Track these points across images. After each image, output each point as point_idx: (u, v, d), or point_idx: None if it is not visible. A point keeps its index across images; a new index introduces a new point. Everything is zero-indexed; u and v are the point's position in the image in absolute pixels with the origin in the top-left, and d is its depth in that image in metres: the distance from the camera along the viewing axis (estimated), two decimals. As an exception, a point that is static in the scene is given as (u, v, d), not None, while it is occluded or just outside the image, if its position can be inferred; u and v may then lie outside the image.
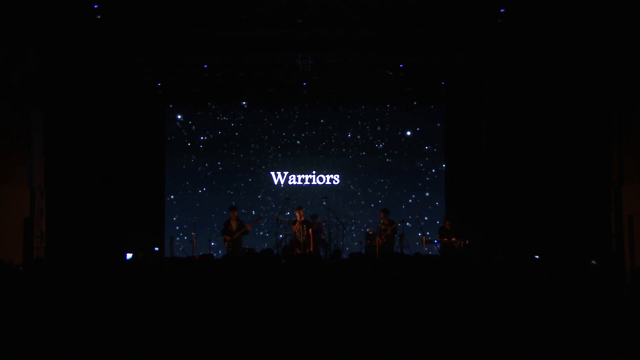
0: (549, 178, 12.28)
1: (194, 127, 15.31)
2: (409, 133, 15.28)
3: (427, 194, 15.26)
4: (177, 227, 14.90)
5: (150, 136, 14.55)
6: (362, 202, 15.17)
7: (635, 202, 11.14)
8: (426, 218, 14.60)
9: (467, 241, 12.18)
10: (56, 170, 12.22)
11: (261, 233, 14.82)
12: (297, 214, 12.67)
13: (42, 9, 10.49)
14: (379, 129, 15.36)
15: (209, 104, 15.13)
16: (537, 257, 9.32)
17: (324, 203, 13.66)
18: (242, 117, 15.31)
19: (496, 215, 13.05)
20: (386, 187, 15.28)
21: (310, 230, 12.55)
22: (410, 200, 15.15)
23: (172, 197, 15.13)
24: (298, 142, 15.22)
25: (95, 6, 10.53)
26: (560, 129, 12.16)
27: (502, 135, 12.84)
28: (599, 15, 10.65)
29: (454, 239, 12.27)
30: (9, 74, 10.96)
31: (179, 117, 15.33)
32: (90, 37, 11.16)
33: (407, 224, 13.46)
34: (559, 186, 12.14)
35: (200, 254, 12.08)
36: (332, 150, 15.30)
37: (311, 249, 12.25)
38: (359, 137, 15.34)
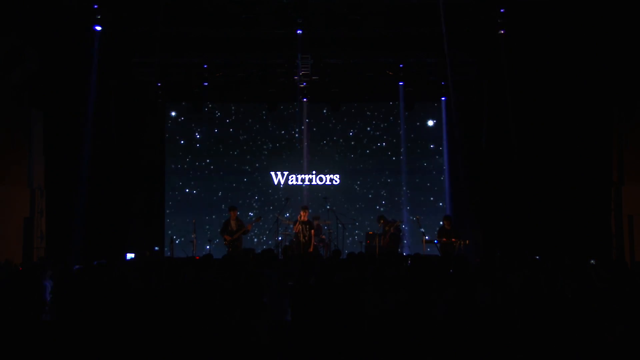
0: (550, 178, 12.27)
1: (193, 127, 15.30)
2: (409, 133, 15.27)
3: (427, 193, 15.24)
4: (177, 227, 14.87)
5: (150, 136, 14.54)
6: (362, 202, 15.15)
7: (635, 202, 11.15)
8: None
9: (467, 241, 12.16)
10: (56, 170, 12.22)
11: (255, 240, 14.76)
12: (302, 214, 12.54)
13: (42, 9, 10.50)
14: (379, 129, 15.36)
15: (209, 104, 15.11)
16: (537, 257, 9.31)
17: (328, 206, 13.68)
18: (242, 117, 15.29)
19: (496, 215, 13.04)
20: (386, 187, 15.27)
21: (312, 231, 12.47)
22: (410, 200, 15.14)
23: (170, 196, 15.13)
24: (298, 142, 15.21)
25: (95, 6, 10.55)
26: (561, 129, 12.15)
27: (502, 135, 12.83)
28: (598, 16, 10.65)
29: (453, 239, 12.26)
30: (9, 74, 10.97)
31: (178, 116, 15.32)
32: (90, 37, 11.16)
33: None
34: (559, 186, 12.14)
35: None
36: (332, 150, 15.28)
37: (310, 250, 12.20)
38: (359, 137, 15.32)
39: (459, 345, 4.52)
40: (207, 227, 14.62)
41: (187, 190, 15.19)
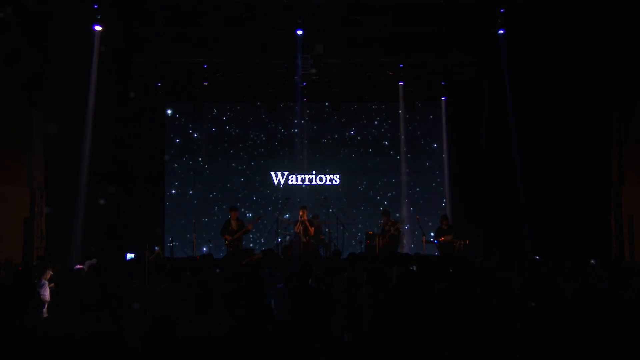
0: (550, 178, 12.27)
1: (193, 127, 15.31)
2: (409, 133, 15.27)
3: (429, 193, 15.24)
4: (175, 228, 14.84)
5: (150, 136, 14.53)
6: (362, 202, 15.16)
7: (635, 202, 11.14)
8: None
9: (467, 241, 12.16)
10: (56, 170, 12.20)
11: (253, 243, 14.73)
12: (301, 213, 12.53)
13: (42, 9, 10.49)
14: (379, 129, 15.36)
15: (209, 104, 15.12)
16: (537, 257, 9.31)
17: (331, 209, 13.67)
18: (242, 117, 15.31)
19: (496, 214, 13.04)
20: (386, 187, 15.27)
21: (312, 229, 12.46)
22: (412, 200, 15.14)
23: (170, 196, 15.12)
24: (298, 142, 15.21)
25: (95, 6, 10.55)
26: (561, 129, 12.15)
27: (502, 135, 12.83)
28: (599, 17, 10.65)
29: (450, 237, 12.26)
30: (9, 74, 10.96)
31: (175, 115, 15.33)
32: (90, 37, 11.16)
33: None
34: (559, 186, 12.13)
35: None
36: (332, 150, 15.29)
37: (309, 250, 12.19)
38: (359, 137, 15.34)
39: (458, 346, 4.51)
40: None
41: (186, 190, 15.18)
